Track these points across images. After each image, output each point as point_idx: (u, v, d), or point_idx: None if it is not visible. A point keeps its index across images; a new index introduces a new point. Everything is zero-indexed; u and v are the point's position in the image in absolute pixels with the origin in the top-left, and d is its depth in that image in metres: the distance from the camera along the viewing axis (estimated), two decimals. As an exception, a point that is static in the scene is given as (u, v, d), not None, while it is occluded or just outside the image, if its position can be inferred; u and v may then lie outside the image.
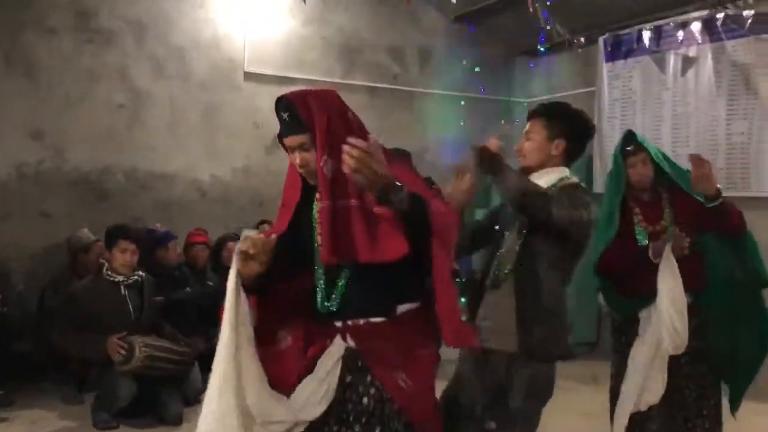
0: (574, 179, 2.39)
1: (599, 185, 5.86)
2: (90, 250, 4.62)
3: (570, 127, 2.40)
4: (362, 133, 1.78)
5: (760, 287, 2.83)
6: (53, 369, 4.38)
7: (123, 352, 3.66)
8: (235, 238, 5.21)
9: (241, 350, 1.74)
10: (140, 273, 4.07)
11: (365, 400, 1.74)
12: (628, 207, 2.88)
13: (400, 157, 4.95)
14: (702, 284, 2.79)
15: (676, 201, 2.83)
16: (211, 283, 4.84)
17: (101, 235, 4.55)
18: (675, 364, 2.74)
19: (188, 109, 5.46)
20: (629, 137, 2.93)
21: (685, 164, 2.75)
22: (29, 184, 4.93)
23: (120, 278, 3.97)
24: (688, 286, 2.68)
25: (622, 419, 2.75)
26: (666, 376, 2.71)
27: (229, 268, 5.14)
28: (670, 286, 2.62)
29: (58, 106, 5.00)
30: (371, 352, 1.75)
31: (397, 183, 1.64)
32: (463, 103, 6.46)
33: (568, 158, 2.41)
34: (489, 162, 2.22)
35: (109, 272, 3.96)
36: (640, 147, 2.86)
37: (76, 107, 5.06)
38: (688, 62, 5.11)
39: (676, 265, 2.62)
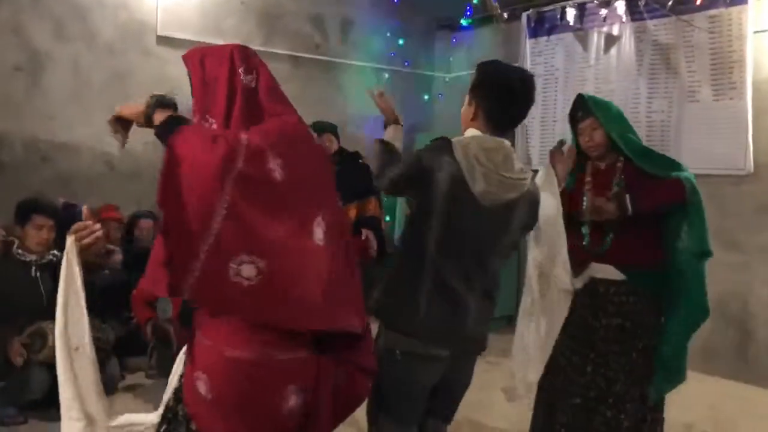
0: (463, 137, 2.19)
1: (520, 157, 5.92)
2: (-17, 228, 4.17)
3: (477, 87, 2.19)
4: (264, 99, 1.64)
5: (702, 257, 2.69)
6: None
7: (20, 361, 3.36)
8: (149, 215, 4.90)
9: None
10: (55, 252, 3.69)
11: (170, 401, 1.74)
12: (583, 176, 2.84)
13: (326, 129, 4.72)
14: (644, 265, 2.71)
15: (626, 169, 2.75)
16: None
17: (-1, 212, 4.13)
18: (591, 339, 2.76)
19: (94, 74, 5.02)
20: (578, 101, 2.83)
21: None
22: None
23: (32, 258, 3.60)
24: (626, 261, 2.69)
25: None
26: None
27: (141, 247, 4.80)
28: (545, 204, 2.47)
29: (-58, 66, 4.47)
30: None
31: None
32: (387, 76, 6.33)
33: (486, 119, 2.15)
34: None
35: (20, 251, 3.58)
36: (588, 112, 2.76)
37: (-36, 68, 4.54)
38: (610, 40, 5.19)
39: (555, 183, 2.69)
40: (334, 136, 5.18)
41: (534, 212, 2.25)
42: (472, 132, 2.15)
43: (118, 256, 4.39)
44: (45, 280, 3.62)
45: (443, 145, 2.11)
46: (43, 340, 3.35)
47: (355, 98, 6.22)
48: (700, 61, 4.68)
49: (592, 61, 5.34)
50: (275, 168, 1.48)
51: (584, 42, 5.39)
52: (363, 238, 4.91)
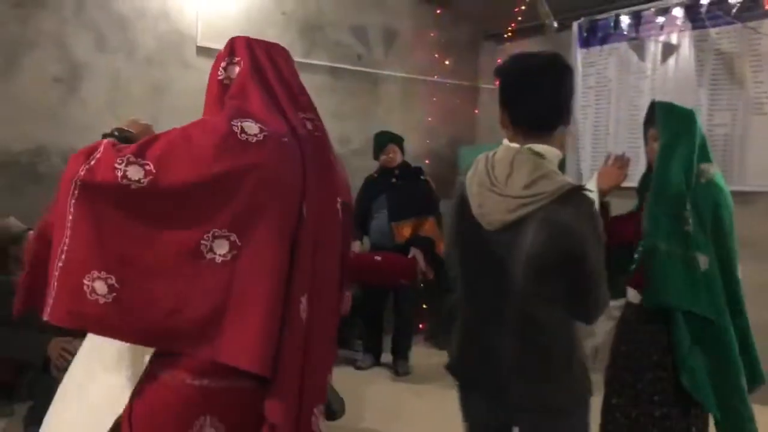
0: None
1: (570, 175, 5.66)
2: (21, 240, 4.08)
3: (498, 90, 1.93)
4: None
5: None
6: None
7: (69, 357, 3.19)
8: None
9: None
10: None
11: None
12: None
13: (391, 141, 4.59)
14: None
15: None
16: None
17: (34, 224, 4.04)
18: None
19: (132, 85, 4.94)
20: (650, 107, 2.62)
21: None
22: (-51, 165, 4.34)
23: None
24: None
25: None
26: None
27: None
28: None
29: (-17, 77, 4.42)
30: None
31: None
32: (431, 87, 6.14)
33: (509, 125, 1.87)
34: None
35: None
36: (652, 121, 2.55)
37: (5, 78, 4.48)
38: (668, 50, 4.91)
39: None
40: (399, 148, 5.02)
41: (559, 238, 1.68)
42: (504, 142, 1.85)
43: None
44: None
45: (472, 161, 1.90)
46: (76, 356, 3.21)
47: (397, 110, 6.05)
48: (768, 71, 4.38)
49: (649, 72, 5.06)
50: (136, 176, 1.36)
51: (640, 51, 5.11)
52: (410, 257, 4.72)
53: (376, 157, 5.07)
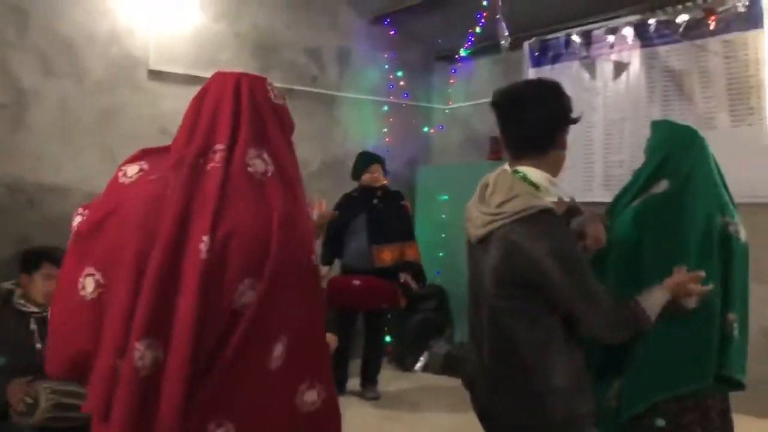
0: None
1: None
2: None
3: None
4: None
5: None
6: None
7: (29, 400, 3.00)
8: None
9: None
10: None
11: None
12: None
13: (374, 161, 4.56)
14: None
15: None
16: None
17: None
18: None
19: (82, 111, 4.76)
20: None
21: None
22: None
23: (33, 309, 3.28)
24: None
25: None
26: None
27: None
28: None
29: None
30: None
31: None
32: (386, 108, 6.15)
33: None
34: None
35: (22, 300, 3.26)
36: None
37: (-55, 107, 4.26)
38: (619, 68, 5.06)
39: None
40: (383, 169, 4.97)
41: (512, 256, 1.75)
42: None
43: None
44: (42, 335, 3.30)
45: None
46: (35, 401, 3.02)
47: (354, 131, 6.03)
48: (716, 87, 4.55)
49: (601, 89, 5.20)
50: (79, 220, 1.71)
51: (591, 69, 5.25)
52: (402, 281, 4.68)
53: (357, 176, 4.98)
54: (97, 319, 1.48)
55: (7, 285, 3.45)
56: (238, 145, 1.57)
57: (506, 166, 1.93)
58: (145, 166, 1.61)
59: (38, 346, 3.28)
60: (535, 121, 1.87)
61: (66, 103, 4.68)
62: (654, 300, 1.85)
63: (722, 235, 2.23)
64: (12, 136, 4.46)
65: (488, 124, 6.05)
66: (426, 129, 6.61)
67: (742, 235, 2.28)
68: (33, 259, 3.38)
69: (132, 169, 1.63)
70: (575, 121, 1.92)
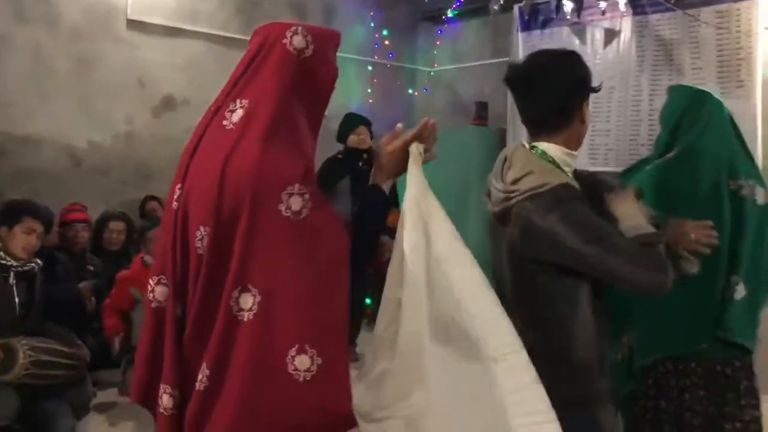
0: None
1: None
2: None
3: None
4: None
5: None
6: None
7: (1, 356, 2.92)
8: (120, 216, 4.48)
9: None
10: (37, 261, 3.30)
11: None
12: None
13: (360, 122, 4.39)
14: None
15: None
16: (92, 268, 4.10)
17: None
18: None
19: (57, 60, 4.57)
20: None
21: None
22: None
23: (12, 263, 3.17)
24: None
25: None
26: None
27: (111, 251, 4.38)
28: None
29: None
30: None
31: None
32: (370, 68, 6.02)
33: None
34: None
35: (1, 254, 3.16)
36: None
37: None
38: (610, 35, 4.99)
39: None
40: (369, 131, 4.82)
41: (533, 238, 1.68)
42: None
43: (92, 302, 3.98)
44: (21, 289, 3.21)
45: None
46: (13, 357, 2.93)
47: (337, 91, 5.89)
48: (706, 58, 4.51)
49: (590, 57, 5.12)
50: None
51: (581, 36, 5.17)
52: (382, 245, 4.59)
53: (343, 138, 4.84)
54: None
55: None
56: (226, 100, 1.53)
57: (524, 142, 1.85)
58: None
59: (17, 300, 3.18)
60: (551, 96, 1.76)
61: (39, 49, 4.48)
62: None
63: (733, 198, 2.20)
64: (-18, 83, 4.27)
65: (474, 88, 5.97)
66: (410, 91, 6.50)
67: (761, 197, 2.23)
68: (13, 212, 3.27)
69: None
70: (595, 90, 1.84)
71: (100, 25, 4.72)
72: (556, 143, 1.79)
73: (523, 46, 5.56)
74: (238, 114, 1.48)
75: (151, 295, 1.53)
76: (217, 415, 1.41)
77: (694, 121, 2.27)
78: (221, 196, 1.42)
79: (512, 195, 1.72)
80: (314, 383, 1.38)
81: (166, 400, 1.48)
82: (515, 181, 1.73)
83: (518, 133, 5.58)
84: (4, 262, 3.16)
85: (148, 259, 3.85)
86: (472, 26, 6.18)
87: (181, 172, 1.53)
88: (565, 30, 5.26)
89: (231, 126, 1.48)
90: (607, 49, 5.02)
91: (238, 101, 1.49)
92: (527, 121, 1.85)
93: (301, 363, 1.38)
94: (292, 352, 1.38)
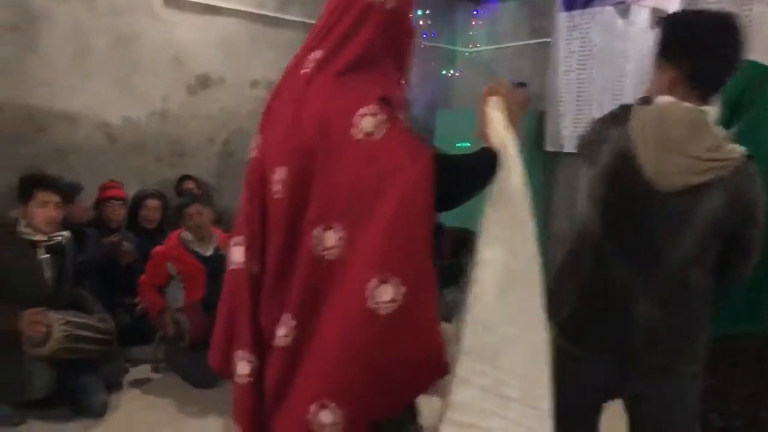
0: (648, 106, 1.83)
1: (550, 142, 5.58)
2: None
3: (665, 48, 1.79)
4: None
5: None
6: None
7: (43, 330, 2.94)
8: (156, 194, 4.50)
9: None
10: (64, 233, 3.30)
11: None
12: None
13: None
14: None
15: None
16: (127, 244, 4.11)
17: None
18: None
19: (95, 37, 4.57)
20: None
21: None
22: None
23: (39, 237, 3.18)
24: None
25: None
26: None
27: (147, 229, 4.35)
28: None
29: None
30: None
31: None
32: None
33: (678, 86, 1.75)
34: None
35: (27, 229, 3.16)
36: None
37: (-48, 26, 4.09)
38: (656, 14, 4.81)
39: None
40: (409, 113, 4.76)
41: (738, 208, 1.67)
42: (663, 99, 1.73)
43: (129, 248, 3.99)
44: (51, 264, 3.22)
45: (618, 113, 1.79)
46: (48, 331, 2.96)
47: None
48: (759, 40, 4.31)
49: (634, 37, 4.96)
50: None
51: (626, 15, 5.00)
52: None
53: None
54: None
55: (14, 214, 3.35)
56: (305, 52, 1.50)
57: (685, 104, 1.69)
58: None
59: (48, 274, 3.20)
60: (735, 59, 1.67)
61: (78, 27, 4.49)
62: None
63: None
64: (23, 60, 4.29)
65: (512, 70, 5.84)
66: (446, 71, 6.39)
67: None
68: (25, 188, 3.26)
69: None
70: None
71: (138, 2, 4.71)
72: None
73: (565, 25, 5.41)
74: (313, 61, 1.45)
75: (229, 258, 1.52)
76: (312, 366, 1.33)
77: (756, 98, 2.15)
78: (297, 132, 1.38)
79: (721, 164, 1.64)
80: (399, 315, 1.29)
81: (242, 367, 1.44)
82: (712, 150, 1.64)
83: (557, 115, 5.45)
84: (31, 237, 3.18)
85: (186, 235, 3.86)
86: (510, 6, 6.03)
87: (260, 125, 1.54)
88: (609, 9, 5.09)
89: (307, 70, 1.45)
90: (653, 29, 4.84)
91: (317, 51, 1.46)
92: (705, 82, 1.70)
93: (382, 295, 1.28)
94: (373, 283, 1.29)
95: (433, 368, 1.34)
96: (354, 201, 1.33)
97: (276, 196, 1.42)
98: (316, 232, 1.35)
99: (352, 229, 1.33)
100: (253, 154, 1.52)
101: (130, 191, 4.48)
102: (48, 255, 3.22)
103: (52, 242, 3.23)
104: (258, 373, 1.44)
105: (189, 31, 4.90)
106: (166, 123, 4.89)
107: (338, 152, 1.34)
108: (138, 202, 4.40)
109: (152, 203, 4.40)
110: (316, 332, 1.35)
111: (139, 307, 3.96)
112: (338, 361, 1.30)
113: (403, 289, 1.28)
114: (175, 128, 4.92)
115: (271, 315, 1.42)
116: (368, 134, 1.33)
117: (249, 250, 1.46)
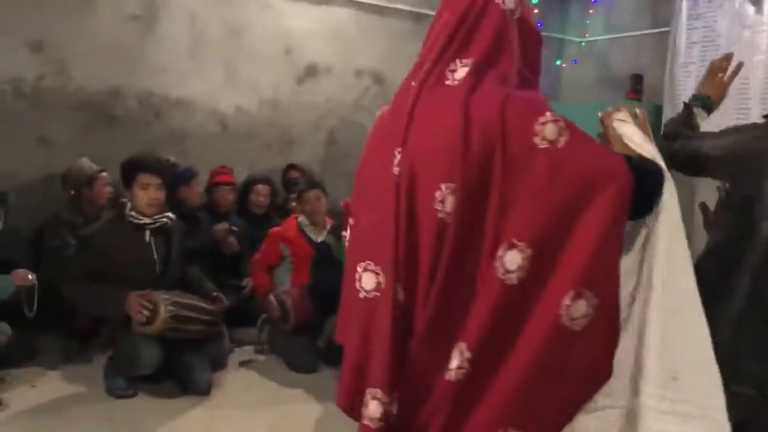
0: None
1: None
2: (94, 182, 3.95)
3: None
4: None
5: None
6: (53, 320, 3.73)
7: (147, 313, 3.06)
8: (265, 180, 4.60)
9: None
10: (169, 215, 3.40)
11: None
12: None
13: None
14: None
15: None
16: (235, 229, 4.22)
17: (109, 168, 3.92)
18: None
19: (210, 26, 4.72)
20: None
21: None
22: (26, 104, 4.20)
23: (146, 220, 3.29)
24: None
25: None
26: None
27: (255, 214, 4.35)
28: None
29: (61, 11, 4.23)
30: None
31: None
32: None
33: None
34: None
35: (133, 213, 3.29)
36: None
37: (82, 14, 4.30)
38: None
39: None
40: None
41: None
42: None
43: (234, 242, 4.10)
44: (159, 245, 3.34)
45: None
46: (155, 311, 3.07)
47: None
48: None
49: (766, 26, 4.60)
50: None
51: (757, 3, 4.64)
52: None
53: None
54: None
55: (123, 199, 3.49)
56: (440, 60, 1.40)
57: None
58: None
59: (156, 256, 3.32)
60: None
61: (194, 16, 4.64)
62: None
63: None
64: (143, 48, 4.49)
65: (628, 61, 5.56)
66: (558, 62, 6.17)
67: None
68: (126, 173, 3.36)
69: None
70: None
71: (252, -8, 4.82)
72: None
73: (687, 14, 5.09)
74: (463, 71, 1.37)
75: (358, 284, 1.38)
76: (493, 397, 1.26)
77: None
78: (467, 145, 1.29)
79: None
80: (590, 329, 1.26)
81: (372, 408, 1.30)
82: None
83: (677, 108, 5.14)
84: (137, 221, 3.29)
85: (303, 219, 3.94)
86: (629, -4, 5.74)
87: (398, 136, 1.37)
88: (738, -3, 4.75)
89: (457, 82, 1.37)
90: (788, 17, 4.48)
91: (458, 61, 1.39)
92: None
93: (577, 310, 1.25)
94: (567, 300, 1.25)
95: (602, 380, 1.31)
96: (544, 216, 1.25)
97: (439, 216, 1.28)
98: (500, 252, 1.25)
99: (543, 246, 1.25)
100: (396, 170, 1.36)
101: (240, 177, 4.61)
102: (153, 237, 3.32)
103: (157, 224, 3.33)
104: (389, 416, 1.31)
105: (299, 20, 4.97)
106: (275, 111, 4.99)
107: (520, 164, 1.26)
108: (248, 186, 4.52)
109: (261, 188, 4.51)
110: (500, 360, 1.26)
111: (246, 289, 4.07)
112: (525, 386, 1.25)
113: (595, 301, 1.25)
114: (284, 117, 5.01)
115: (431, 348, 1.29)
116: (552, 142, 1.27)
117: (391, 277, 1.31)
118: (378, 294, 1.33)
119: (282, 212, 4.62)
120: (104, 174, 3.96)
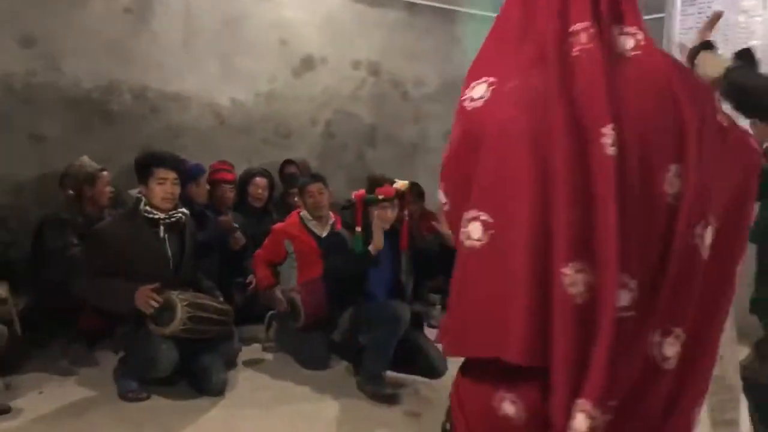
0: None
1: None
2: (96, 181, 3.85)
3: None
4: None
5: None
6: (55, 321, 3.63)
7: (155, 304, 2.99)
8: (263, 173, 4.52)
9: None
10: (183, 210, 3.33)
11: None
12: None
13: None
14: None
15: None
16: (236, 225, 4.15)
17: (107, 166, 3.85)
18: None
19: (205, 19, 4.62)
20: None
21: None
22: (17, 101, 4.07)
23: (160, 215, 3.21)
24: None
25: None
26: None
27: (254, 208, 4.26)
28: None
29: (52, 4, 4.10)
30: None
31: None
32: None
33: None
34: None
35: (147, 208, 3.21)
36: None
37: (74, 8, 4.18)
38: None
39: None
40: None
41: None
42: None
43: (240, 236, 4.04)
44: (172, 242, 3.26)
45: None
46: (173, 312, 3.00)
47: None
48: None
49: (760, 11, 4.63)
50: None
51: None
52: None
53: None
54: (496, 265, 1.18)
55: (135, 193, 3.41)
56: (602, 22, 1.23)
57: None
58: (492, 78, 1.22)
59: (169, 253, 3.24)
60: None
61: (189, 8, 4.54)
62: None
63: None
64: (137, 42, 4.38)
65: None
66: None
67: None
68: (142, 168, 3.29)
69: (479, 90, 1.23)
70: None
71: (245, -18, 4.73)
72: None
73: (681, 0, 5.11)
74: (632, 41, 1.22)
75: (571, 289, 1.15)
76: (695, 386, 1.25)
77: None
78: (683, 123, 1.17)
79: None
80: None
81: (580, 422, 1.11)
82: None
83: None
84: (151, 216, 3.21)
85: (305, 214, 3.88)
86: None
87: (602, 110, 1.16)
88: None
89: (636, 52, 1.21)
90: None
91: (619, 27, 1.23)
92: None
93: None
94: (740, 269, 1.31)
95: None
96: (724, 194, 1.23)
97: (668, 200, 1.16)
98: (698, 230, 1.17)
99: (720, 224, 1.23)
100: (611, 150, 1.15)
101: (238, 171, 4.53)
102: (167, 234, 3.26)
103: (172, 219, 3.26)
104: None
105: (295, 11, 4.89)
106: (271, 104, 4.91)
107: (708, 140, 1.19)
108: (246, 179, 4.45)
109: (260, 181, 4.44)
110: (704, 336, 1.22)
111: (251, 286, 4.01)
112: (715, 357, 1.27)
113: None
114: (281, 110, 4.93)
115: (643, 336, 1.16)
116: (729, 121, 1.26)
117: (614, 275, 1.13)
118: (590, 296, 1.15)
119: (280, 206, 4.56)
120: (105, 173, 3.86)
